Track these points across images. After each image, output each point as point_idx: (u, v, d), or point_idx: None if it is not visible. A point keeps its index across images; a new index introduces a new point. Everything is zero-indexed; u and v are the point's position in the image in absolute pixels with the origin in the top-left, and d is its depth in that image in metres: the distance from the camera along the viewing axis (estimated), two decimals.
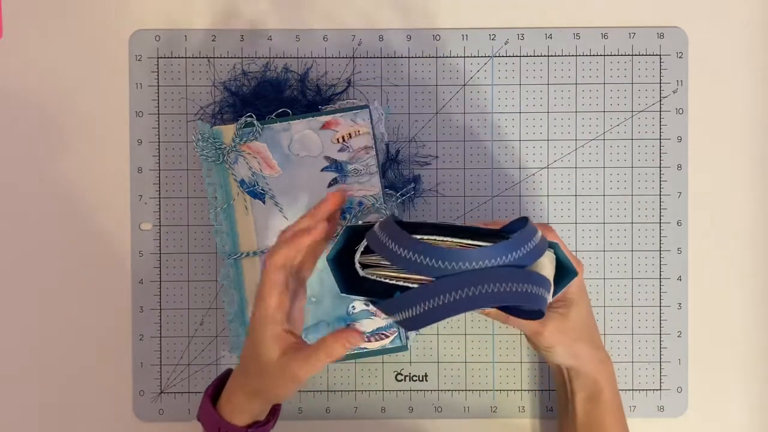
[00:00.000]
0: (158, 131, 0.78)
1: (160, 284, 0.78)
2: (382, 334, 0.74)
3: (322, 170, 0.74)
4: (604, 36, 0.78)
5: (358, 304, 0.74)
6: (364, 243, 0.63)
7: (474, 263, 0.58)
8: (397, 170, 0.77)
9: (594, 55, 0.78)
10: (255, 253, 0.73)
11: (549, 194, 0.78)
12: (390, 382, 0.78)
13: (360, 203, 0.74)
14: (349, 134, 0.74)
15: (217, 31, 0.78)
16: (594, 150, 0.78)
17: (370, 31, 0.78)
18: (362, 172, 0.74)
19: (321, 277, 0.74)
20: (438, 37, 0.78)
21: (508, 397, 0.78)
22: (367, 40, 0.78)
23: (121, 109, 0.78)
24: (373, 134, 0.74)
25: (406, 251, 0.59)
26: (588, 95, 0.78)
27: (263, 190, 0.74)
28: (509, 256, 0.59)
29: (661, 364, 0.78)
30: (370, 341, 0.74)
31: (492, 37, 0.78)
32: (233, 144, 0.73)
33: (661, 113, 0.78)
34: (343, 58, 0.78)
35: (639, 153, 0.78)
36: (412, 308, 0.59)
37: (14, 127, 0.78)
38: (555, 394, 0.76)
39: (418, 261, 0.59)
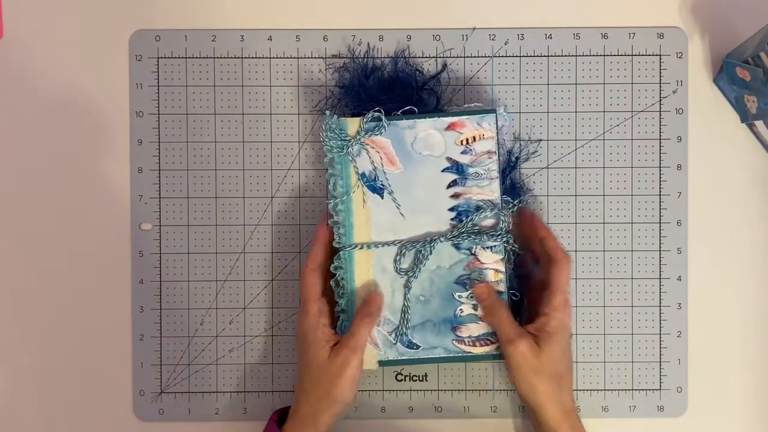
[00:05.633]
0: (158, 131, 0.78)
1: (160, 284, 0.78)
2: (488, 339, 0.73)
3: (443, 171, 0.73)
4: (604, 36, 0.78)
5: (466, 308, 0.73)
6: None
7: None
8: (517, 177, 0.77)
9: (594, 55, 0.78)
10: (369, 246, 0.73)
11: (549, 194, 0.78)
12: (390, 382, 0.78)
13: (478, 207, 0.73)
14: (474, 137, 0.73)
15: (218, 31, 0.78)
16: (594, 150, 0.78)
17: (369, 31, 0.78)
18: (482, 176, 0.73)
19: (431, 277, 0.73)
20: (438, 37, 0.78)
21: (508, 397, 0.78)
22: (367, 40, 0.78)
23: (121, 109, 0.78)
24: (497, 139, 0.73)
25: None
26: (588, 95, 0.78)
27: (383, 185, 0.73)
28: None
29: (661, 364, 0.78)
30: (475, 345, 0.74)
31: (492, 37, 0.78)
32: (358, 137, 0.73)
33: (661, 113, 0.78)
34: (343, 58, 0.78)
35: (639, 153, 0.78)
36: None
37: (14, 127, 0.78)
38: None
39: None
